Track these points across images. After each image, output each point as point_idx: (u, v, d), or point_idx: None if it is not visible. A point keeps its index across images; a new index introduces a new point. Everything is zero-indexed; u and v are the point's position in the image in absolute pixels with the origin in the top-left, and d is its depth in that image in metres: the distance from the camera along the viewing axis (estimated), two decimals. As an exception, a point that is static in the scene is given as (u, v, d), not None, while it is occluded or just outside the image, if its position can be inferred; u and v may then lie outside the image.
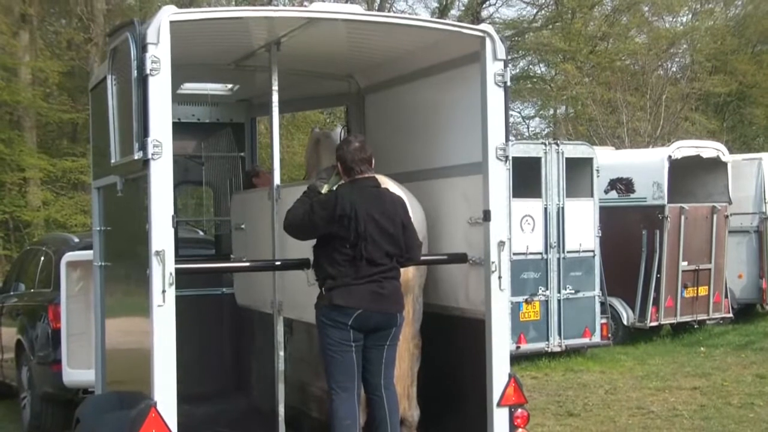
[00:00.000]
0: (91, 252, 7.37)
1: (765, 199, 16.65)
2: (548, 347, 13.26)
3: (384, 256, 5.69)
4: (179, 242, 6.51)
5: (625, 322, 14.84)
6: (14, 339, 10.44)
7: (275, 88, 6.30)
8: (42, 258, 10.75)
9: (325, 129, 8.84)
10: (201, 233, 10.19)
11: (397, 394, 6.07)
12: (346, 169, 5.80)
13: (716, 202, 15.35)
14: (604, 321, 13.74)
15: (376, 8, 31.13)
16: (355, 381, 5.77)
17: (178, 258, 5.26)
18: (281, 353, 6.40)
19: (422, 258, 6.32)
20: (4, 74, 28.81)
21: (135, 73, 5.11)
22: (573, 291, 13.34)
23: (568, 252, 13.29)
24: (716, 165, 15.46)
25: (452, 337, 6.33)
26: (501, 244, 5.76)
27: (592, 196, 13.58)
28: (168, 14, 5.09)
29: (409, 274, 6.19)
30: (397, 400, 5.89)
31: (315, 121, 30.46)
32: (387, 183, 6.32)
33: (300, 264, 5.83)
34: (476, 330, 5.92)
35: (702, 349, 14.45)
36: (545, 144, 13.48)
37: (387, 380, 5.86)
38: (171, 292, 5.09)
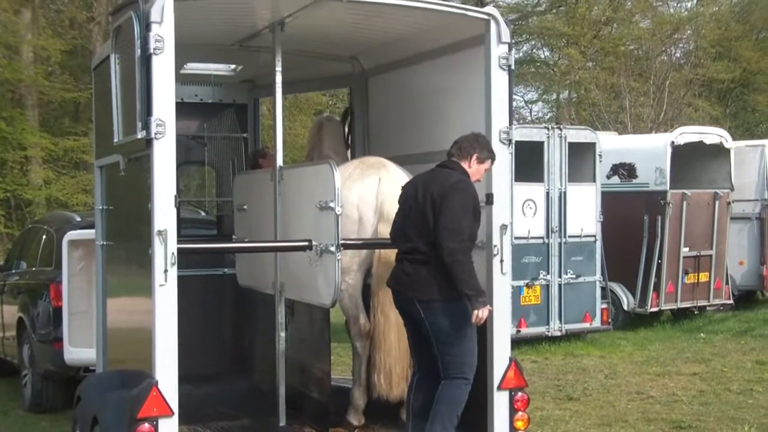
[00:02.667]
0: (92, 231, 7.37)
1: (767, 185, 16.62)
2: (548, 331, 13.28)
3: (408, 237, 5.58)
4: (181, 222, 6.51)
5: (625, 308, 14.85)
6: (16, 317, 10.46)
7: (279, 68, 6.29)
8: (44, 236, 10.76)
9: (330, 114, 8.84)
10: (203, 213, 10.19)
11: (396, 375, 6.09)
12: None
13: (718, 189, 15.33)
14: (604, 306, 13.75)
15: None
16: (421, 362, 5.74)
17: (180, 238, 5.26)
18: (282, 334, 6.42)
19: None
20: (6, 52, 28.73)
21: (138, 52, 5.09)
22: (574, 276, 13.35)
23: (569, 237, 13.29)
24: (719, 151, 15.43)
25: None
26: (503, 227, 5.76)
27: (594, 181, 13.57)
28: (172, -7, 5.06)
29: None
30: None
31: (318, 103, 30.42)
32: (389, 167, 6.33)
33: (302, 246, 5.83)
34: (477, 313, 5.91)
35: (702, 335, 14.47)
36: (548, 128, 13.45)
37: (420, 368, 5.79)
38: (173, 272, 5.09)
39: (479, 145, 5.66)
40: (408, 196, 5.68)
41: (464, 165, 5.67)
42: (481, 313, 5.44)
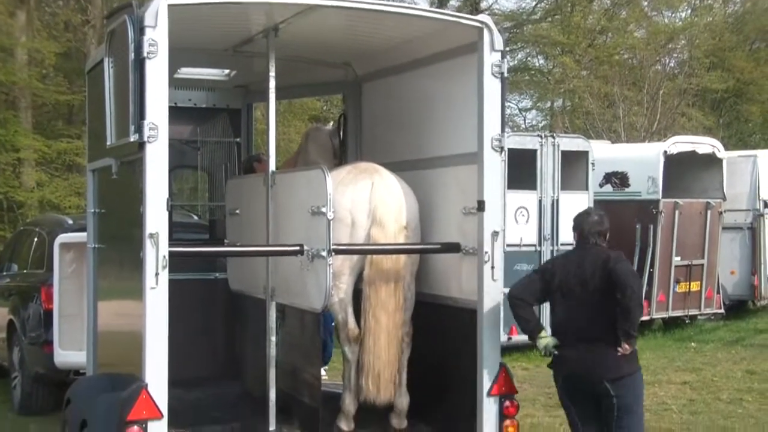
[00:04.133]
0: (84, 234, 7.37)
1: (759, 196, 16.69)
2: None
3: (585, 320, 5.75)
4: (173, 226, 6.52)
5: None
6: (6, 319, 10.45)
7: (272, 74, 6.30)
8: (35, 239, 10.76)
9: (320, 125, 8.93)
10: (195, 218, 10.20)
11: (385, 379, 6.11)
12: (581, 236, 6.02)
13: (710, 198, 15.38)
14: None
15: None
16: None
17: (172, 242, 5.27)
18: (273, 338, 6.43)
19: (415, 247, 6.36)
20: (0, 54, 28.69)
21: (132, 55, 5.11)
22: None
23: (561, 244, 13.30)
24: (711, 161, 15.48)
25: (443, 327, 6.35)
26: (495, 234, 5.78)
27: (587, 189, 13.60)
28: (166, -3, 5.08)
29: (400, 261, 6.22)
30: None
31: (312, 108, 30.42)
32: (381, 172, 6.35)
33: (294, 250, 5.84)
34: (468, 320, 5.94)
35: (693, 344, 14.50)
36: (541, 136, 13.49)
37: None
38: (164, 275, 5.10)
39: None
40: (569, 283, 5.80)
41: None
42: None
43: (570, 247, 13.15)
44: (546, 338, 5.86)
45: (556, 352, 5.80)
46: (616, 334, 5.58)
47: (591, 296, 5.69)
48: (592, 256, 5.85)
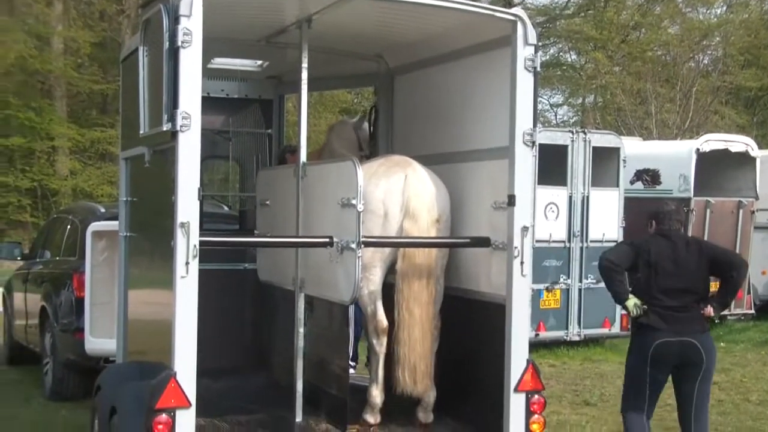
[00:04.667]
0: (116, 222, 7.43)
1: (793, 196, 16.48)
2: (567, 336, 13.24)
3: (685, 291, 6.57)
4: (204, 216, 6.55)
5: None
6: (39, 305, 10.55)
7: (305, 65, 6.31)
8: (68, 226, 10.85)
9: (345, 118, 8.95)
10: (226, 208, 10.24)
11: (421, 371, 6.12)
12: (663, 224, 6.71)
13: (743, 197, 15.22)
14: (624, 312, 13.64)
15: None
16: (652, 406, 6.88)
17: (203, 231, 5.29)
18: (301, 330, 6.44)
19: (445, 240, 6.35)
20: (37, 43, 28.99)
21: (167, 44, 5.13)
22: (594, 281, 13.28)
23: (591, 241, 13.24)
24: (745, 159, 15.32)
25: (471, 321, 6.34)
26: (525, 229, 5.76)
27: (617, 186, 13.51)
28: (201, -13, 5.10)
29: (432, 255, 6.22)
30: None
31: (343, 101, 30.47)
32: (414, 165, 6.34)
33: (323, 242, 5.85)
34: (495, 314, 5.92)
35: (722, 344, 14.36)
36: (572, 132, 13.40)
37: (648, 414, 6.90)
38: (194, 265, 5.12)
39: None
40: (663, 261, 6.53)
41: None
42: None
43: (599, 245, 13.38)
44: (633, 299, 6.53)
45: (642, 311, 6.50)
46: (700, 307, 6.59)
47: (684, 274, 6.52)
48: (683, 240, 6.73)
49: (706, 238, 14.58)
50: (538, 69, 5.81)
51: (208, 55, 6.01)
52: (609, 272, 6.56)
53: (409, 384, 6.19)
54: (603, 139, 13.64)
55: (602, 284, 13.07)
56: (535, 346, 12.12)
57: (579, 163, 13.15)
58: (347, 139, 7.93)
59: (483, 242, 6.08)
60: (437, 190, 6.29)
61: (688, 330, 6.50)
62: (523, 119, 5.76)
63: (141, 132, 5.77)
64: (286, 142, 8.79)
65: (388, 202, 6.20)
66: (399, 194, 6.21)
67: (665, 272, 6.49)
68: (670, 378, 6.72)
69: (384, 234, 6.18)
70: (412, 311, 6.17)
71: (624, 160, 13.55)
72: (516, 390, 5.77)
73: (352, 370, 8.85)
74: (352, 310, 8.21)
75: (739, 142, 15.44)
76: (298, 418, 6.39)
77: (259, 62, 8.28)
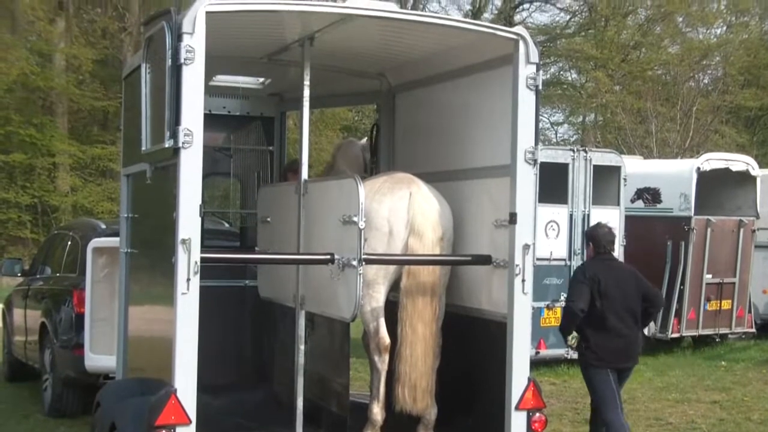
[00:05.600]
0: (117, 239, 7.43)
1: (793, 215, 16.47)
2: (568, 354, 13.18)
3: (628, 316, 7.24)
4: (205, 233, 6.55)
5: (646, 333, 14.70)
6: (38, 322, 10.53)
7: (307, 83, 6.33)
8: (69, 243, 10.84)
9: (353, 138, 9.00)
10: (227, 225, 10.25)
11: (421, 389, 6.11)
12: (600, 246, 7.35)
13: (743, 216, 15.22)
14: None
15: (409, 8, 31.18)
16: None
17: (204, 248, 5.29)
18: (302, 347, 6.43)
19: (446, 258, 6.35)
20: (39, 60, 29.09)
21: (169, 61, 5.15)
22: (595, 299, 13.27)
23: (592, 259, 13.21)
24: (745, 178, 15.32)
25: (472, 338, 6.34)
26: (526, 247, 5.76)
27: (618, 204, 13.52)
28: (204, 4, 5.13)
29: (437, 272, 6.22)
30: None
31: (344, 119, 30.52)
32: (418, 183, 6.35)
33: (325, 259, 5.85)
34: (496, 332, 5.92)
35: (723, 363, 14.34)
36: (573, 150, 13.42)
37: None
38: (195, 281, 5.12)
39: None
40: (610, 288, 7.15)
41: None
42: None
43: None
44: (573, 332, 7.23)
45: (577, 341, 7.23)
46: (638, 326, 7.39)
47: (626, 296, 7.20)
48: (622, 267, 7.67)
49: (707, 257, 14.63)
50: (540, 87, 5.83)
51: (210, 72, 6.03)
52: (575, 319, 7.12)
53: (409, 402, 6.17)
54: (604, 157, 13.66)
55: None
56: (536, 364, 12.09)
57: (580, 181, 13.17)
58: (354, 159, 7.93)
59: (484, 260, 6.08)
60: (441, 208, 6.30)
61: (632, 344, 7.34)
62: (525, 137, 5.77)
63: (143, 148, 5.78)
64: (287, 159, 8.80)
65: (393, 220, 6.20)
66: (404, 212, 6.22)
67: (614, 297, 7.15)
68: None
69: (388, 251, 6.18)
70: (415, 328, 6.17)
71: (625, 179, 13.57)
72: (517, 408, 5.76)
73: None
74: None
75: (739, 161, 15.44)
76: (299, 436, 6.37)
77: (261, 80, 8.31)
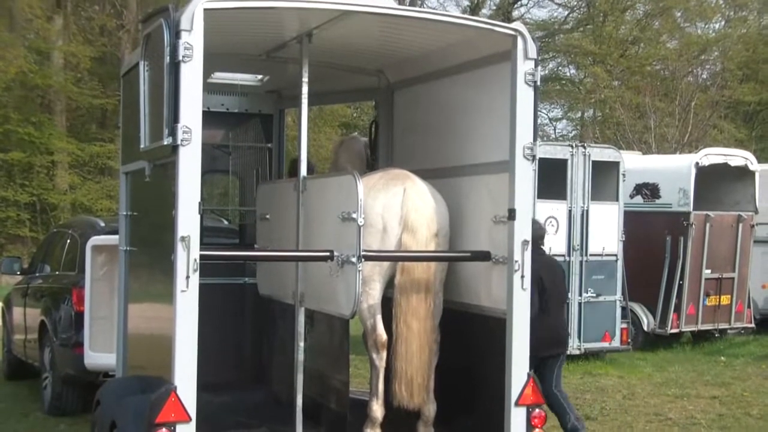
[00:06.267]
0: (116, 236, 7.43)
1: (792, 210, 16.47)
2: (567, 350, 13.21)
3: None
4: (204, 231, 6.55)
5: (645, 328, 14.76)
6: (38, 320, 10.53)
7: (305, 80, 6.33)
8: (68, 241, 10.84)
9: (357, 134, 9.00)
10: (225, 222, 10.25)
11: (417, 384, 6.11)
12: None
13: (742, 211, 15.23)
14: (624, 326, 13.67)
15: (408, 4, 31.17)
16: None
17: (203, 245, 5.29)
18: (301, 344, 6.44)
19: (445, 254, 6.35)
20: (37, 58, 29.05)
21: (167, 59, 5.14)
22: (594, 294, 13.30)
23: (590, 255, 13.24)
24: (744, 173, 15.33)
25: (471, 335, 6.34)
26: (525, 243, 5.76)
27: (617, 200, 13.52)
28: (202, 1, 5.12)
29: (431, 269, 6.21)
30: None
31: (342, 115, 30.51)
32: (413, 179, 6.35)
33: (324, 256, 5.85)
34: (495, 328, 5.92)
35: (722, 358, 14.35)
36: (572, 146, 13.42)
37: None
38: (195, 278, 5.12)
39: None
40: (545, 283, 7.77)
41: None
42: None
43: (599, 258, 13.41)
44: None
45: None
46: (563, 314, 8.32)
47: (560, 288, 8.09)
48: (551, 259, 8.42)
49: (706, 252, 14.66)
50: (538, 83, 5.82)
51: (208, 69, 6.03)
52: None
53: (405, 397, 6.18)
54: (602, 153, 13.66)
55: (602, 298, 13.33)
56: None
57: (579, 177, 13.17)
58: (357, 155, 7.91)
59: (483, 256, 6.08)
60: (436, 204, 6.30)
61: (563, 331, 8.27)
62: (524, 133, 5.76)
63: (141, 146, 5.78)
64: (286, 156, 8.80)
65: (387, 216, 6.20)
66: (398, 208, 6.21)
67: (550, 291, 7.84)
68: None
69: (382, 248, 6.18)
70: (410, 325, 6.17)
71: (623, 174, 13.57)
72: (517, 404, 5.76)
73: None
74: None
75: (738, 156, 15.45)
76: (298, 433, 6.38)
77: (259, 77, 8.30)
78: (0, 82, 27.20)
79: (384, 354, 6.32)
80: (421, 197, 6.23)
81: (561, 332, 8.20)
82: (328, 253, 5.80)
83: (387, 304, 6.37)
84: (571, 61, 36.92)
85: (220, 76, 8.14)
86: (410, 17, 5.93)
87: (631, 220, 13.80)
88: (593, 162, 13.29)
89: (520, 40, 5.75)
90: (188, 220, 5.13)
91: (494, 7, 36.53)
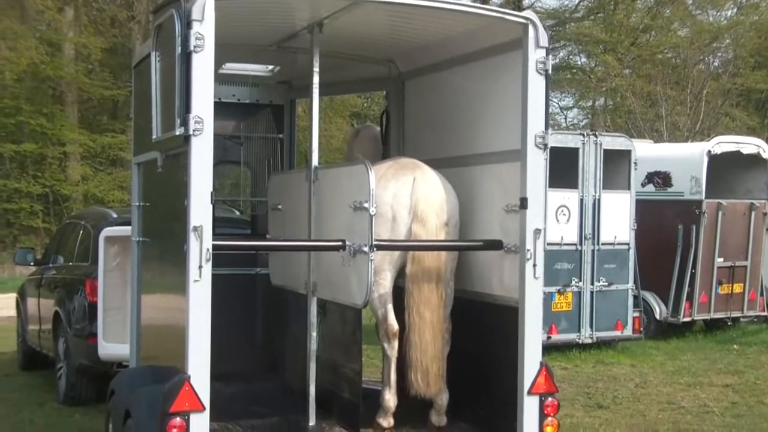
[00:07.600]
0: (129, 227, 7.45)
1: (805, 197, 16.40)
2: (579, 339, 13.23)
3: None
4: (216, 221, 6.57)
5: (657, 317, 14.75)
6: (52, 311, 10.59)
7: (316, 70, 6.32)
8: (81, 232, 10.89)
9: (371, 123, 8.95)
10: (237, 213, 10.27)
11: (433, 374, 6.12)
12: None
13: (755, 199, 15.18)
14: (636, 315, 13.67)
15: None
16: None
17: (215, 236, 5.30)
18: (314, 334, 6.45)
19: (457, 243, 6.35)
20: (48, 49, 29.12)
21: (179, 49, 5.15)
22: (606, 283, 13.29)
23: (602, 244, 13.23)
24: (756, 161, 15.27)
25: (484, 324, 6.34)
26: (537, 231, 5.75)
27: (629, 188, 13.50)
28: (213, -8, 5.12)
29: (442, 258, 6.22)
30: None
31: (353, 105, 30.47)
32: (423, 168, 6.35)
33: (336, 245, 5.86)
34: (508, 317, 5.92)
35: (735, 346, 14.34)
36: (583, 135, 13.41)
37: None
38: (207, 268, 5.13)
39: None
40: None
41: None
42: None
43: (611, 247, 13.40)
44: None
45: None
46: None
47: None
48: None
49: (718, 241, 14.63)
50: (550, 72, 5.80)
51: (219, 60, 6.03)
52: None
53: (422, 386, 6.19)
54: (614, 141, 13.64)
55: (614, 287, 13.33)
56: (547, 348, 12.09)
57: (590, 165, 13.15)
58: (371, 144, 7.88)
59: (495, 245, 6.08)
60: (446, 194, 6.29)
61: None
62: (535, 122, 5.75)
63: (153, 137, 5.79)
64: (297, 147, 8.80)
65: (396, 206, 6.20)
66: (407, 197, 6.21)
67: None
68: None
69: (392, 237, 6.19)
70: (422, 314, 6.18)
71: (635, 163, 13.55)
72: (529, 393, 5.76)
73: None
74: None
75: (750, 144, 15.39)
76: (311, 422, 6.40)
77: (271, 67, 8.30)
78: (12, 73, 27.29)
79: (396, 343, 6.33)
80: (431, 186, 6.23)
81: None
82: (340, 243, 5.81)
83: (399, 294, 6.38)
84: (582, 49, 36.78)
85: (231, 67, 8.14)
86: (421, 6, 5.91)
87: (643, 209, 13.77)
88: (605, 150, 13.27)
89: (531, 29, 5.73)
90: (201, 210, 5.14)
91: (505, -4, 36.40)
